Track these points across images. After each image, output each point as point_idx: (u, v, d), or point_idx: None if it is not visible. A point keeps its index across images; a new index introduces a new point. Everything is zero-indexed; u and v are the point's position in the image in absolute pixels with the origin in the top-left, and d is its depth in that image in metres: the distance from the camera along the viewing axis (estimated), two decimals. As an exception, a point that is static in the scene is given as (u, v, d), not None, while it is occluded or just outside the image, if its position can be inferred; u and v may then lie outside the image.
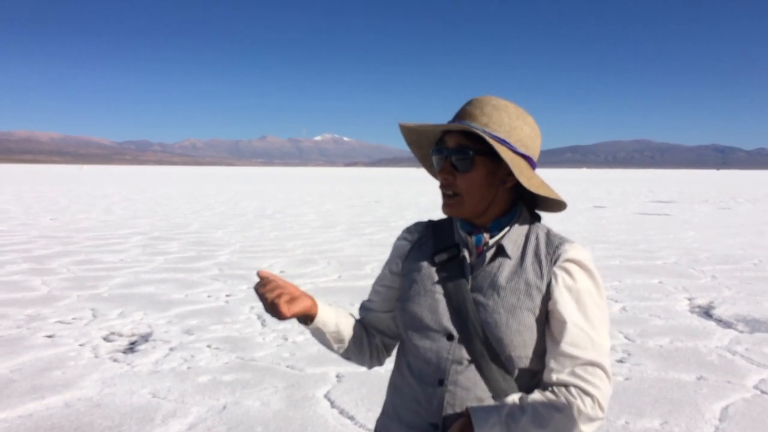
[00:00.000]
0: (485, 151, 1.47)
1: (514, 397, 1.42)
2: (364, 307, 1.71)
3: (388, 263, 1.68)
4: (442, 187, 1.53)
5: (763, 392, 4.37)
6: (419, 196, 31.38)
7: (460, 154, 1.48)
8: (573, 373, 1.41)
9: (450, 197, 1.52)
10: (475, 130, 1.44)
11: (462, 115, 1.51)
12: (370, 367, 1.70)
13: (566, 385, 1.41)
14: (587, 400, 1.39)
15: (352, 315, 1.66)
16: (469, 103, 1.53)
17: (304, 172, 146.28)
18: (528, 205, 1.61)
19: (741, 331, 5.91)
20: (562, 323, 1.44)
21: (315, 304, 1.51)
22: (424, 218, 1.72)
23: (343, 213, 20.04)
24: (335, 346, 1.59)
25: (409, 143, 1.64)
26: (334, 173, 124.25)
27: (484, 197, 1.51)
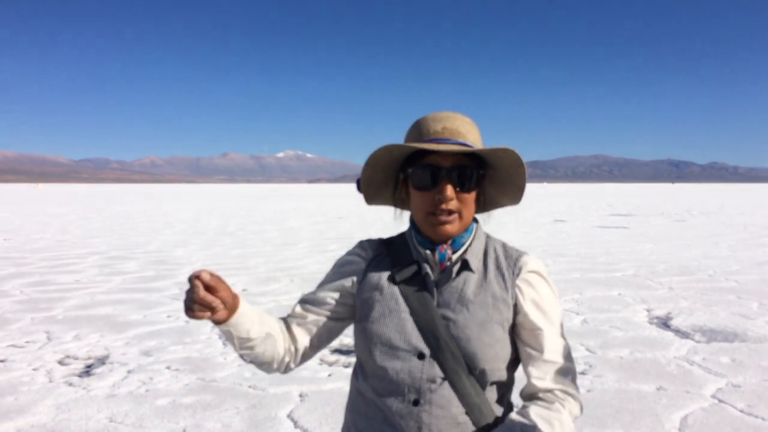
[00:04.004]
0: (480, 167, 1.52)
1: (528, 415, 1.44)
2: (306, 307, 1.61)
3: (341, 276, 1.62)
4: (435, 207, 1.48)
5: (720, 401, 4.46)
6: (383, 211, 31.35)
7: (466, 173, 1.48)
8: (555, 379, 1.48)
9: (446, 216, 1.49)
10: (514, 156, 1.47)
11: (449, 133, 1.50)
12: (269, 372, 1.60)
13: (552, 391, 1.48)
14: (571, 400, 1.48)
15: (272, 318, 1.58)
16: (446, 119, 1.52)
17: (267, 189, 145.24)
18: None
19: (698, 341, 6.04)
20: (538, 332, 1.49)
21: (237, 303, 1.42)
22: (389, 234, 1.70)
23: (307, 230, 19.93)
24: (240, 352, 1.50)
25: (369, 163, 1.53)
26: (297, 190, 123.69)
27: (472, 214, 1.56)
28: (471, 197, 1.51)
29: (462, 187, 1.48)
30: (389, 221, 1.59)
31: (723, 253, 13.19)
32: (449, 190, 1.47)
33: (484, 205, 1.63)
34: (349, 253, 1.66)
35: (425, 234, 1.54)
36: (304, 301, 1.63)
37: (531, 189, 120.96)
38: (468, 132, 1.51)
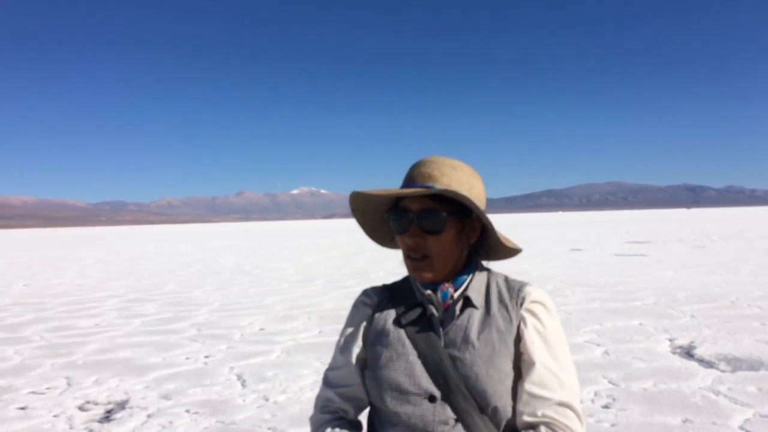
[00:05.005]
0: (454, 211, 1.50)
1: None
2: (339, 391, 1.62)
3: (353, 334, 1.63)
4: (411, 251, 1.52)
5: (748, 432, 4.36)
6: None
7: (431, 216, 1.48)
8: (543, 415, 1.42)
9: (419, 260, 1.52)
10: (461, 196, 1.46)
11: (420, 177, 1.52)
12: None
13: (535, 427, 1.42)
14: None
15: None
16: (423, 164, 1.54)
17: (282, 225, 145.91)
18: (479, 256, 1.65)
19: (723, 371, 5.93)
20: (531, 364, 1.45)
21: None
22: (404, 268, 1.71)
23: (322, 266, 19.94)
24: None
25: (354, 210, 1.62)
26: (312, 226, 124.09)
27: (453, 256, 1.54)
28: (442, 240, 1.50)
29: (428, 231, 1.49)
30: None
31: (745, 279, 13.01)
32: (415, 234, 1.50)
33: (488, 253, 1.65)
34: (356, 303, 1.67)
35: None
36: (338, 384, 1.63)
37: (545, 218, 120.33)
38: (443, 175, 1.50)
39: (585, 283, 12.99)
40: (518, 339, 1.49)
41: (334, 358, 1.66)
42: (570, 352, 1.53)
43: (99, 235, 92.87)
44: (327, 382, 1.64)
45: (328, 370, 1.66)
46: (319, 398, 1.65)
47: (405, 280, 1.65)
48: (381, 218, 1.65)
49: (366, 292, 1.67)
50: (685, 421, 4.62)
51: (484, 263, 1.66)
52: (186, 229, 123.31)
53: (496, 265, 1.70)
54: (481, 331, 1.49)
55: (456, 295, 1.54)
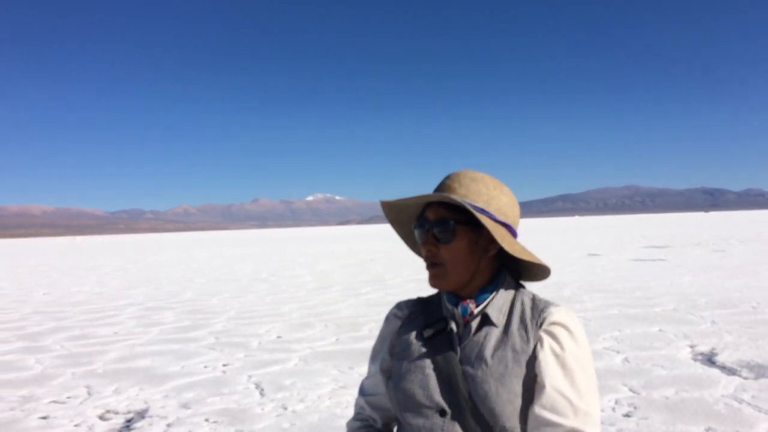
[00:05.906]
0: (466, 221, 1.50)
1: None
2: (369, 399, 1.69)
3: (382, 345, 1.67)
4: (426, 259, 1.55)
5: (773, 441, 4.29)
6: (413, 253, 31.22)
7: (441, 225, 1.50)
8: None
9: (434, 268, 1.53)
10: (455, 200, 1.47)
11: (440, 188, 1.56)
12: None
13: None
14: None
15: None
16: (448, 177, 1.57)
17: (297, 232, 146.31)
18: (512, 274, 1.62)
19: (746, 378, 5.85)
20: (542, 387, 1.42)
21: None
22: (420, 275, 1.70)
23: (338, 273, 19.95)
24: None
25: (391, 221, 1.67)
26: (327, 232, 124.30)
27: (468, 267, 1.53)
28: (452, 249, 1.51)
29: (439, 240, 1.51)
30: (419, 262, 1.61)
31: (765, 283, 12.84)
32: (429, 243, 1.53)
33: (518, 271, 1.63)
34: (388, 315, 1.70)
35: None
36: (367, 393, 1.70)
37: (562, 223, 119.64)
38: (460, 186, 1.52)
39: (603, 289, 12.89)
40: (533, 360, 1.45)
41: (368, 367, 1.72)
42: (595, 381, 1.45)
43: (117, 242, 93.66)
44: (361, 389, 1.72)
45: (364, 378, 1.73)
46: (355, 404, 1.75)
47: (438, 294, 1.66)
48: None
49: (399, 305, 1.70)
50: (707, 429, 4.56)
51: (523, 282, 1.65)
52: (202, 237, 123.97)
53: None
54: (496, 349, 1.47)
55: (476, 311, 1.53)
